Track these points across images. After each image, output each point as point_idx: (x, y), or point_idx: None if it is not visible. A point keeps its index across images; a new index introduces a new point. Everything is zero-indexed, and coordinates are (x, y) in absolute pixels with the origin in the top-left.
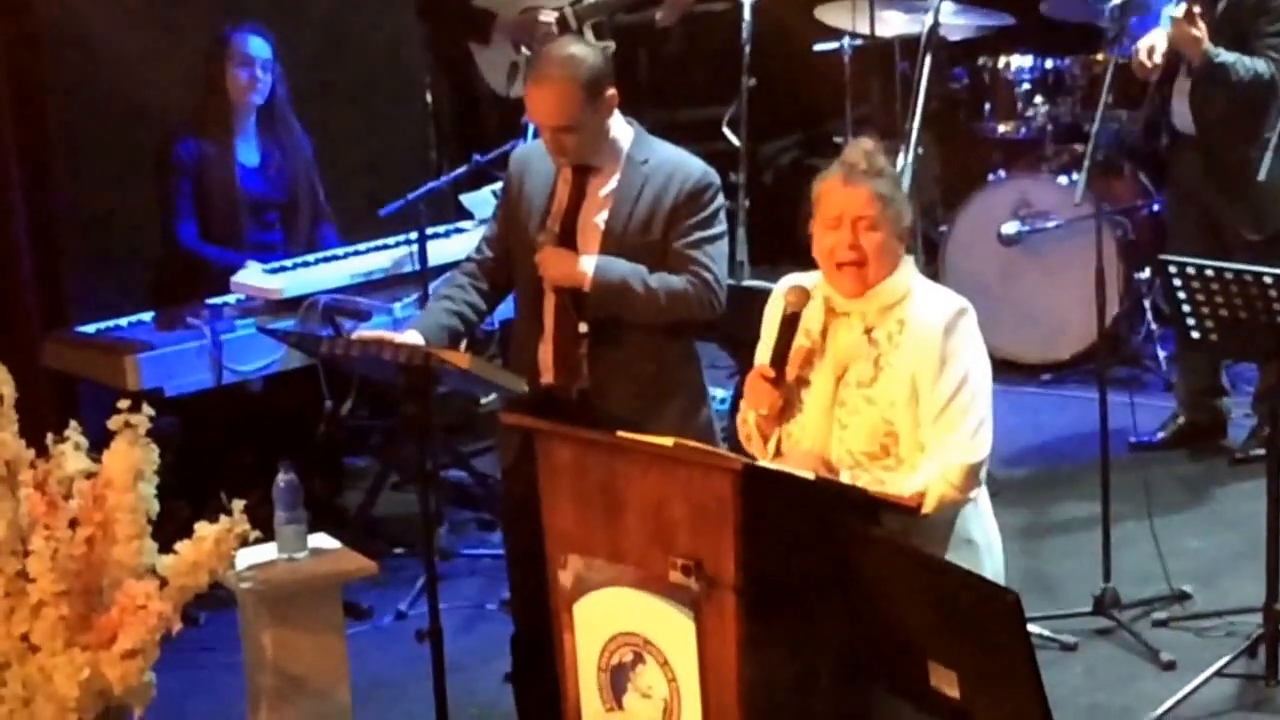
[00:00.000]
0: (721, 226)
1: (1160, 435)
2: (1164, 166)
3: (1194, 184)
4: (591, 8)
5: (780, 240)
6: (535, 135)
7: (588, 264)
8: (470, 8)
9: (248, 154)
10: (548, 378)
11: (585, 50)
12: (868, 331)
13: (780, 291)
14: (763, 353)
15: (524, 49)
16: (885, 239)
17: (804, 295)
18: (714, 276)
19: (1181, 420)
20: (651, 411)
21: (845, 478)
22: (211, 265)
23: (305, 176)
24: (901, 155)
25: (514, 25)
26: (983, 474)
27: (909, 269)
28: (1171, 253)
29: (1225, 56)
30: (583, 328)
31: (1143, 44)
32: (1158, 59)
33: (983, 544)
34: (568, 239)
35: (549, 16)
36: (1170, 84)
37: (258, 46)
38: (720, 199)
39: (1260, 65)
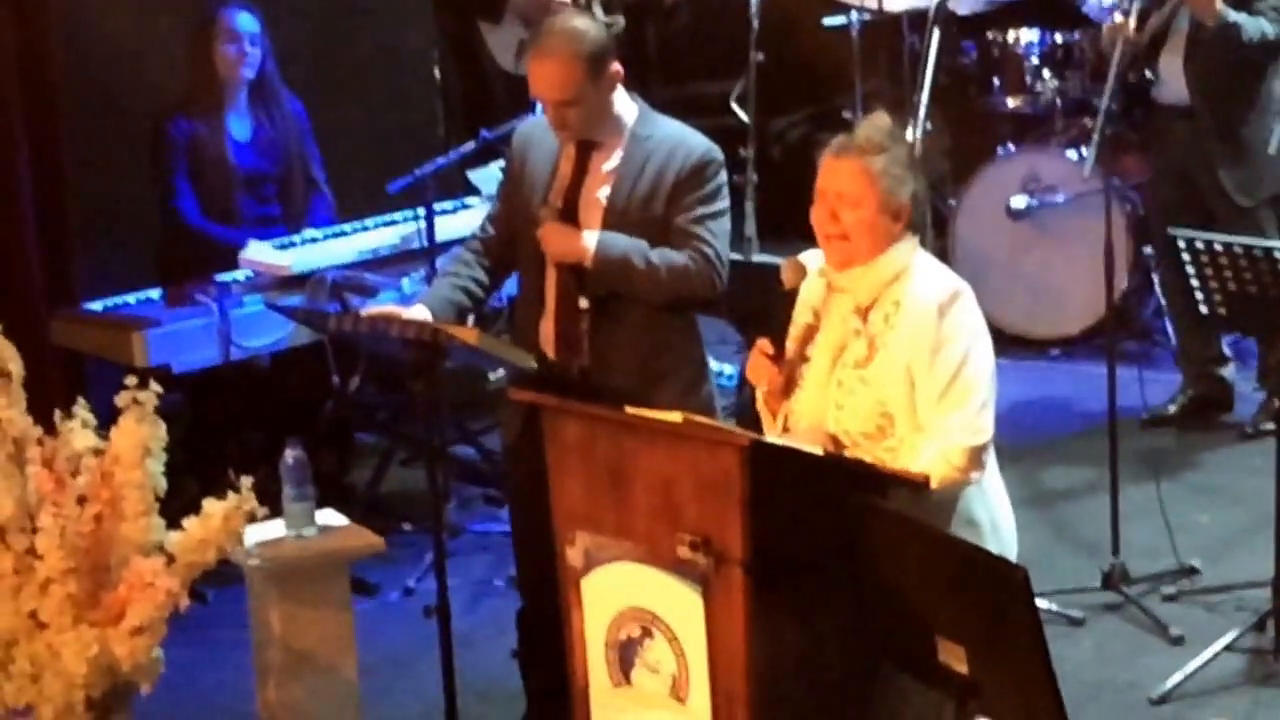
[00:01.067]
0: (724, 203)
1: (1171, 409)
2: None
3: (1180, 154)
4: None
5: (789, 216)
6: (544, 111)
7: (589, 239)
8: None
9: (240, 129)
10: (550, 353)
11: (588, 24)
12: (862, 311)
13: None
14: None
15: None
16: (870, 216)
17: (799, 271)
18: (715, 252)
19: (1190, 393)
20: (652, 387)
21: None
22: (214, 243)
23: (298, 149)
24: (910, 129)
25: (527, 3)
26: (986, 455)
27: (908, 248)
28: (1156, 226)
29: (1236, 16)
30: (583, 303)
31: (1116, 16)
32: (1130, 33)
33: (986, 524)
34: (570, 214)
35: None
36: (1154, 55)
37: (245, 21)
38: (723, 175)
39: (1266, 26)
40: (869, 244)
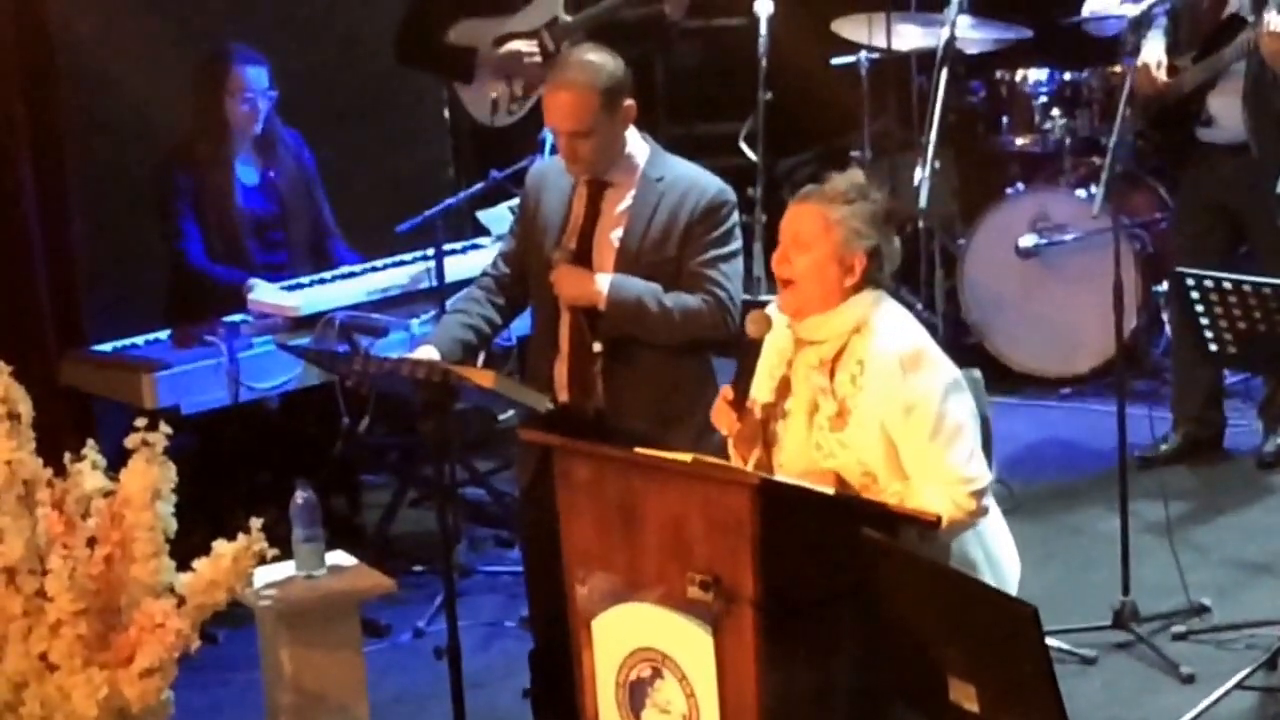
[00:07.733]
0: (737, 244)
1: (1163, 448)
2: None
3: (1225, 191)
4: (565, 28)
5: None
6: (553, 151)
7: (602, 283)
8: (449, 47)
9: (248, 174)
10: (563, 396)
11: (605, 58)
12: (827, 366)
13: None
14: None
15: (510, 81)
16: (820, 261)
17: (765, 323)
18: (728, 295)
19: (1182, 433)
20: (666, 430)
21: None
22: (219, 284)
23: (303, 190)
24: (919, 169)
25: (496, 60)
26: (988, 498)
27: (867, 300)
28: (1187, 265)
29: None
30: (597, 347)
31: (1149, 59)
32: (1165, 75)
33: (981, 560)
34: (583, 256)
35: (530, 47)
36: (1202, 96)
37: (258, 76)
38: (735, 216)
39: None
40: (817, 293)
